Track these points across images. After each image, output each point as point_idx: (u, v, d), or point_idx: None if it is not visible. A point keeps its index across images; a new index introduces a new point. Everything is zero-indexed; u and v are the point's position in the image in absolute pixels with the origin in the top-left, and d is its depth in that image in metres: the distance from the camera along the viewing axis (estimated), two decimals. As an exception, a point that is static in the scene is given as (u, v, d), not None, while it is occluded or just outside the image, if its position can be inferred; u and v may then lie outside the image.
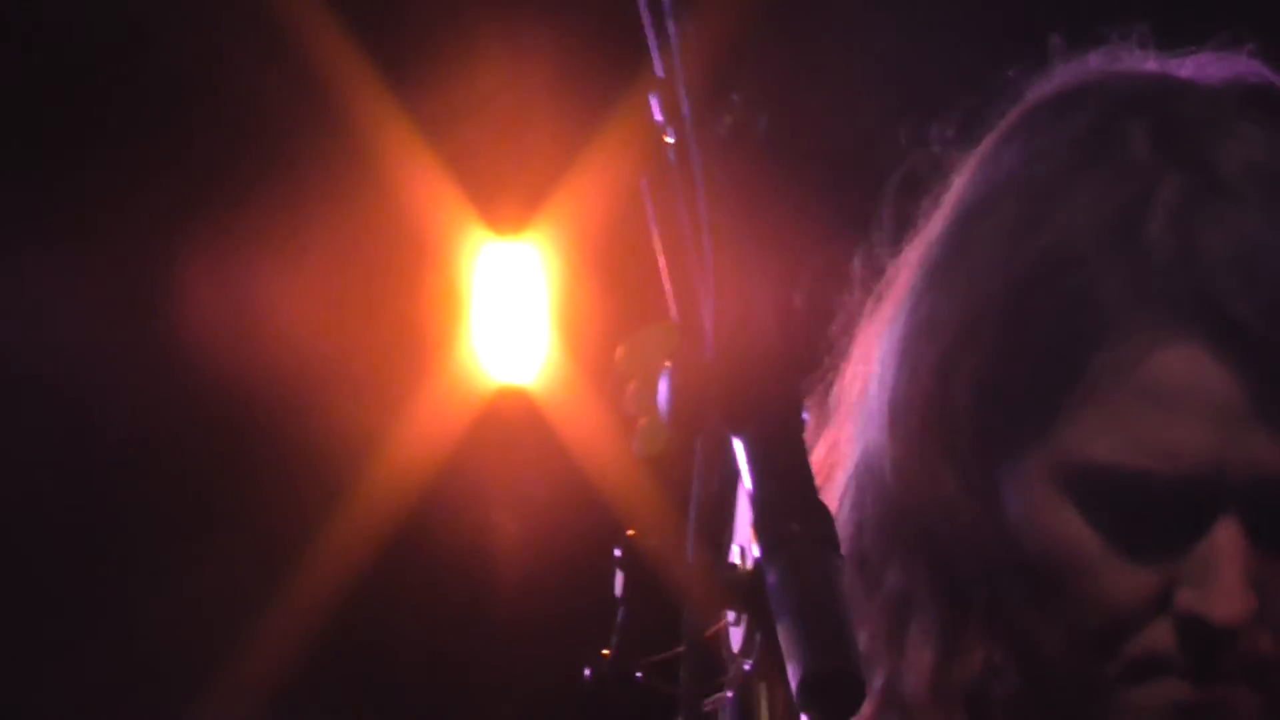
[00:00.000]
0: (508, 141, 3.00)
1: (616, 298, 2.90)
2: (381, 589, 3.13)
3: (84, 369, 3.16)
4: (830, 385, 1.16)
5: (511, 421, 3.12)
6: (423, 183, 3.05)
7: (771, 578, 0.75)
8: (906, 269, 1.13)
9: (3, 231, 3.10)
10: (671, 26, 0.78)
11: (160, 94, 3.14)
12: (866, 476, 1.11)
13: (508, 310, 3.14)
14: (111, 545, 3.21)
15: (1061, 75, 1.13)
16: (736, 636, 0.78)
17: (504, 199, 3.04)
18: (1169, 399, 1.02)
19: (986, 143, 1.12)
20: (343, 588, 3.11)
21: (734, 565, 0.78)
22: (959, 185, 1.12)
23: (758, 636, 0.76)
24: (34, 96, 3.09)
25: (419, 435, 3.10)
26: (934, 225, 1.12)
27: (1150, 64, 1.13)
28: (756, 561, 0.76)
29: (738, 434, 0.76)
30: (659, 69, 0.78)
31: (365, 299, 3.19)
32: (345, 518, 3.09)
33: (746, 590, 0.76)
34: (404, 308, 3.20)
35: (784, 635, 0.73)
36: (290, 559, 3.12)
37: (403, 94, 3.05)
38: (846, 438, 1.14)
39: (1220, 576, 1.00)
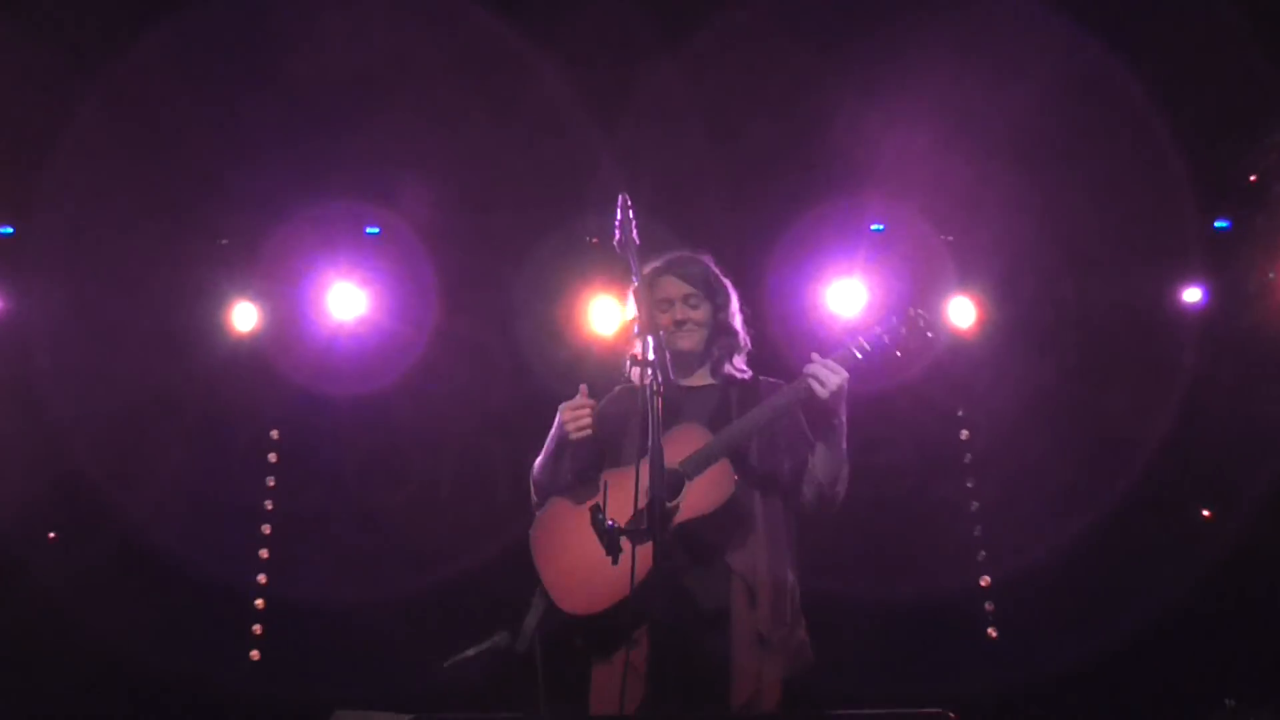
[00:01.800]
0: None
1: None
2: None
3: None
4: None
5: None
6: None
7: (653, 355, 4.43)
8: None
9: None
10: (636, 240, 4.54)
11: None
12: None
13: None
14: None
15: (668, 255, 5.18)
16: (648, 373, 4.45)
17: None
18: (663, 284, 5.16)
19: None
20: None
21: (648, 359, 4.46)
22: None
23: (648, 371, 4.42)
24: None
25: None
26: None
27: (678, 254, 5.18)
28: (652, 362, 4.43)
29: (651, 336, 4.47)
30: (635, 276, 4.52)
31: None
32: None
33: (648, 363, 4.43)
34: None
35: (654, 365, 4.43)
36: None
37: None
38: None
39: (675, 310, 5.12)
